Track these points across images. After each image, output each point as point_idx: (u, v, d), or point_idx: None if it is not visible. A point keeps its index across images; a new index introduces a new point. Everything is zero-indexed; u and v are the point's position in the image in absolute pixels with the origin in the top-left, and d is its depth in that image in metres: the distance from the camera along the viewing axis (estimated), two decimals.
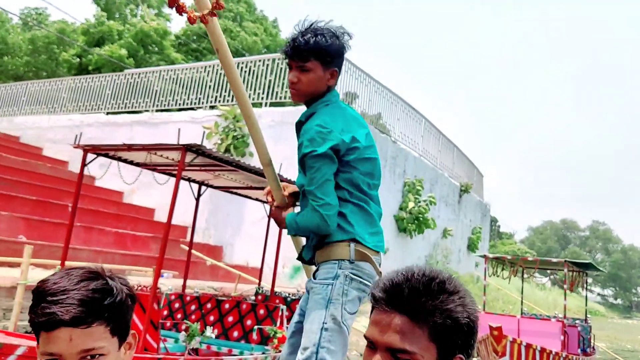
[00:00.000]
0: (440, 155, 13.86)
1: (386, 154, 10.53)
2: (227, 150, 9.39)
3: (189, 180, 5.93)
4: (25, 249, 4.49)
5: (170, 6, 1.52)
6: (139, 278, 7.05)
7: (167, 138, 10.49)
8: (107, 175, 10.76)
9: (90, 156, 4.81)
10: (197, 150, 4.40)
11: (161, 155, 4.68)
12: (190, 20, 1.54)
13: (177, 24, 29.94)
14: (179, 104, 10.80)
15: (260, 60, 10.29)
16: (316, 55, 1.98)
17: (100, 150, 4.82)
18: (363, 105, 10.56)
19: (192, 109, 10.61)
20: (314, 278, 1.98)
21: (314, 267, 2.09)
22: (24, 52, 29.59)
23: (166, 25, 26.74)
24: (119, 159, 4.98)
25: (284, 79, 9.99)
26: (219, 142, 9.55)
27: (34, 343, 3.61)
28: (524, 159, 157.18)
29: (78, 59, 24.85)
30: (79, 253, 6.46)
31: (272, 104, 9.99)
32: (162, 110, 11.02)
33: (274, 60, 10.23)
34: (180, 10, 1.53)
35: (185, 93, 10.74)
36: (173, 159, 4.80)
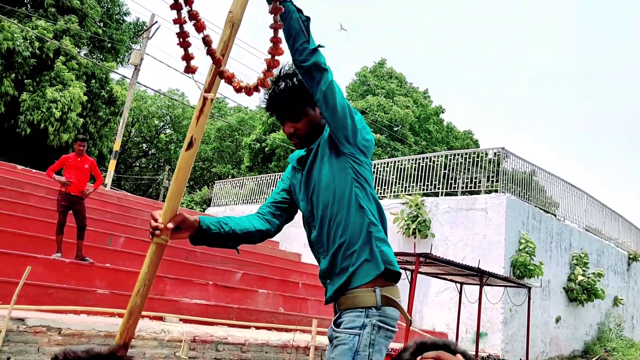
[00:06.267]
0: (605, 227, 14.57)
1: (552, 230, 11.81)
2: (413, 233, 11.44)
3: (404, 269, 8.01)
4: (313, 321, 6.84)
5: (221, 78, 1.58)
6: None
7: None
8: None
9: None
10: (426, 255, 6.47)
11: (400, 258, 6.83)
12: (236, 89, 1.57)
13: None
14: None
15: (435, 156, 12.41)
16: (298, 96, 1.95)
17: None
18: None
19: (379, 198, 12.95)
20: (337, 326, 1.88)
21: None
22: (212, 139, 35.39)
23: None
24: None
25: (456, 171, 11.96)
26: (405, 226, 11.66)
27: None
28: None
29: (258, 143, 29.14)
30: (324, 322, 8.79)
31: (447, 193, 11.92)
32: None
33: (446, 156, 12.27)
34: (229, 81, 1.57)
35: (373, 185, 13.17)
36: (405, 259, 6.92)
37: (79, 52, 19.27)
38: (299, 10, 1.73)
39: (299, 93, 1.95)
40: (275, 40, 1.58)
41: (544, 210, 11.91)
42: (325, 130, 2.00)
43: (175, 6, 1.45)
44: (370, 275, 1.85)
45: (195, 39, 1.57)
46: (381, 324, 1.82)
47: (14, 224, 7.55)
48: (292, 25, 1.70)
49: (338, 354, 1.81)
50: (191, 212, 15.61)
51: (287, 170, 2.19)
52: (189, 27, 1.52)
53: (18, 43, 16.51)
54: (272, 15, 1.55)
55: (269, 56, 1.60)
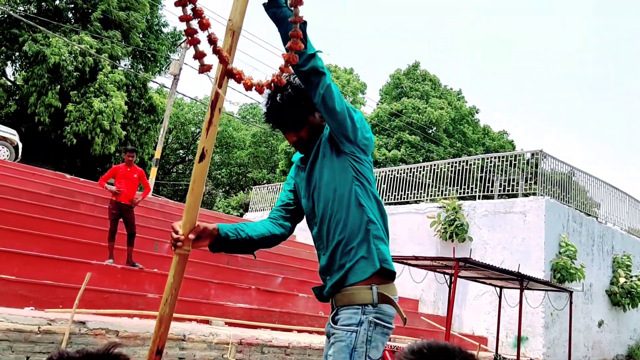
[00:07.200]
0: None
1: (593, 233, 11.62)
2: (450, 236, 11.45)
3: (444, 273, 8.07)
4: None
5: (230, 77, 1.51)
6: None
7: (394, 226, 12.88)
8: None
9: None
10: (466, 260, 6.52)
11: (439, 263, 6.90)
12: (246, 87, 1.50)
13: (368, 108, 33.44)
14: (403, 198, 13.29)
15: (472, 159, 12.38)
16: (296, 105, 1.96)
17: (396, 259, 7.21)
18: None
19: (416, 202, 12.99)
20: (335, 323, 1.91)
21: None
22: (247, 144, 35.94)
23: (361, 111, 30.50)
24: (410, 265, 7.32)
25: (493, 174, 11.91)
26: (442, 230, 11.66)
27: None
28: None
29: (293, 148, 29.34)
30: None
31: (484, 197, 11.88)
32: (389, 204, 13.60)
33: (482, 159, 12.23)
34: (238, 79, 1.50)
35: (409, 189, 13.23)
36: (444, 263, 6.99)
37: (117, 66, 19.93)
38: None
39: (297, 102, 1.96)
40: (295, 34, 1.54)
41: (585, 213, 11.73)
42: (326, 128, 2.02)
43: (180, 3, 1.43)
44: (366, 273, 1.87)
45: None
46: (378, 321, 1.84)
47: (67, 231, 7.95)
48: (289, 30, 1.68)
49: (336, 351, 1.84)
50: (219, 218, 15.93)
51: (292, 170, 2.23)
52: (194, 24, 1.49)
53: (64, 57, 17.23)
54: (293, 8, 1.51)
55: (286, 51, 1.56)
